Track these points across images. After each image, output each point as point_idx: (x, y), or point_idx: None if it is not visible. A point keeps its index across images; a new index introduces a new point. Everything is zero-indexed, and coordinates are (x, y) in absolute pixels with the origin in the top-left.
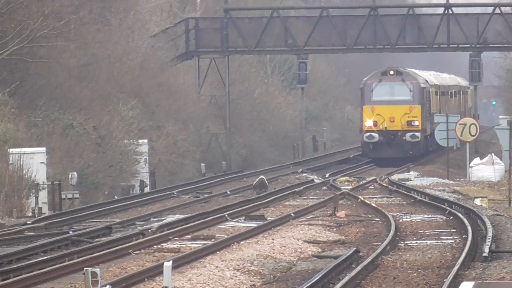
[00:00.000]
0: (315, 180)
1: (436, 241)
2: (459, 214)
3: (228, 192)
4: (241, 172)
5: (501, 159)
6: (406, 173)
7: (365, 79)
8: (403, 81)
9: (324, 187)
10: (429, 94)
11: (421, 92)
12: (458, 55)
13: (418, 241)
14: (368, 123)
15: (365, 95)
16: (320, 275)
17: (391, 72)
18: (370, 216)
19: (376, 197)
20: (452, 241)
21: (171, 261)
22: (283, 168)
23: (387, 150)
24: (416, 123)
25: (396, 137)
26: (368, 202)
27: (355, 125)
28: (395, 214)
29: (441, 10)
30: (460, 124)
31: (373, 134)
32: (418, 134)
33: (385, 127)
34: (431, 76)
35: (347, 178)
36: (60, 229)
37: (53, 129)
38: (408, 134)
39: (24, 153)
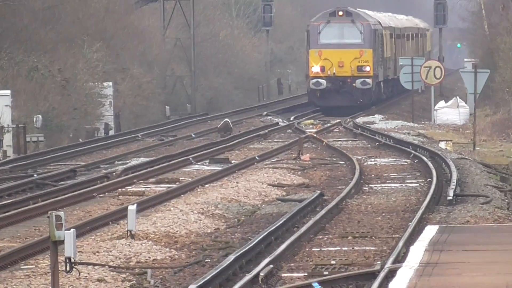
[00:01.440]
0: (280, 123)
1: (400, 184)
2: (424, 158)
3: (193, 135)
4: (206, 115)
5: (466, 102)
6: (370, 116)
7: (311, 20)
8: (353, 23)
9: (289, 130)
10: (382, 36)
11: (373, 34)
12: None
13: (383, 185)
14: (315, 68)
15: (312, 37)
16: (285, 219)
17: (340, 13)
18: (334, 159)
19: (341, 140)
20: (417, 184)
21: (135, 205)
22: (248, 111)
23: (335, 98)
24: (367, 68)
25: (346, 84)
26: (332, 145)
27: None
28: (359, 157)
29: None
30: (425, 67)
31: (320, 80)
32: (369, 80)
33: (334, 73)
34: (385, 18)
35: (312, 121)
36: (24, 172)
37: (18, 72)
38: (358, 81)
39: None
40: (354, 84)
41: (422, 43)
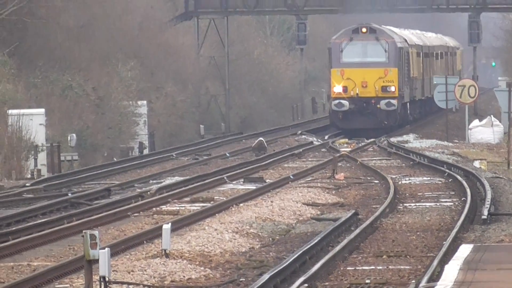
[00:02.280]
0: (314, 142)
1: (435, 203)
2: (458, 177)
3: (227, 154)
4: (240, 134)
5: (500, 121)
6: (405, 135)
7: (333, 37)
8: (377, 40)
9: (323, 149)
10: (408, 55)
11: (398, 52)
12: (458, 16)
13: (417, 204)
14: (337, 88)
15: (334, 56)
16: (319, 238)
17: (364, 30)
18: (369, 178)
19: (375, 159)
20: (451, 203)
21: (170, 224)
22: (282, 130)
23: (358, 120)
24: (392, 88)
25: (369, 105)
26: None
27: None
28: (394, 176)
29: None
30: (459, 86)
31: (343, 101)
32: (394, 101)
33: (357, 94)
34: (412, 35)
35: (346, 140)
36: (59, 191)
37: (52, 90)
38: (383, 102)
39: (23, 114)
40: (378, 105)
41: (452, 62)
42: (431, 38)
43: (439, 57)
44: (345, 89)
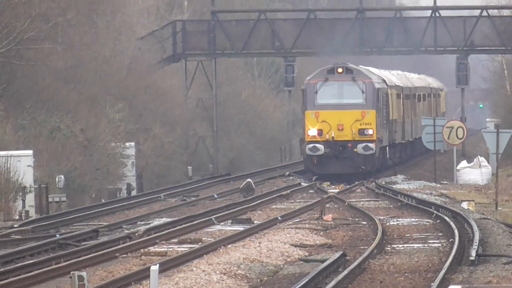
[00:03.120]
0: (302, 183)
1: (423, 244)
2: (446, 218)
3: (215, 196)
4: (228, 175)
5: (488, 162)
6: (393, 177)
7: (308, 78)
8: (353, 80)
9: (311, 190)
10: (387, 96)
11: (376, 93)
12: (445, 57)
13: (405, 245)
14: (312, 132)
15: (308, 97)
16: (307, 279)
17: (340, 70)
18: (357, 219)
19: (363, 201)
20: (439, 244)
21: (157, 265)
22: (270, 171)
23: (334, 165)
24: (370, 131)
25: (346, 149)
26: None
27: None
28: (382, 217)
29: (428, 13)
30: (447, 127)
31: (318, 145)
32: (372, 145)
33: (332, 137)
34: (392, 76)
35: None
36: (47, 233)
37: (40, 132)
38: (360, 146)
39: (11, 155)
40: (355, 150)
41: (435, 103)
42: (414, 79)
43: (421, 98)
44: (320, 132)
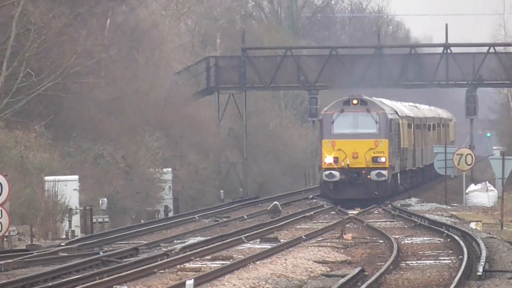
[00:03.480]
0: (324, 206)
1: (434, 261)
2: (456, 237)
3: (245, 217)
4: (257, 198)
5: (494, 186)
6: (407, 199)
7: (325, 109)
8: (368, 112)
9: (333, 212)
10: (399, 126)
11: (389, 124)
12: (456, 90)
13: (418, 261)
14: (328, 159)
15: (325, 127)
16: None
17: (355, 101)
18: (374, 238)
19: (380, 221)
20: (449, 261)
21: (192, 280)
22: (295, 195)
23: (349, 191)
24: (383, 159)
25: (360, 176)
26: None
27: None
28: (397, 236)
29: (440, 49)
30: (457, 154)
31: (334, 172)
32: (384, 172)
33: (348, 164)
34: (404, 107)
35: None
36: (91, 250)
37: (85, 159)
38: (373, 172)
39: (59, 180)
40: (369, 176)
41: (444, 133)
42: (424, 110)
43: (431, 128)
44: (336, 160)
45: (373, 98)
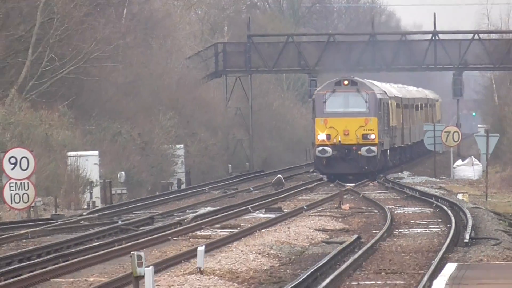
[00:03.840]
0: (324, 179)
1: (425, 229)
2: (444, 207)
3: (251, 189)
4: (262, 172)
5: (479, 161)
6: (400, 173)
7: (317, 89)
8: (358, 92)
9: (332, 184)
10: (388, 106)
11: (378, 103)
12: (444, 74)
13: (410, 229)
14: (321, 136)
15: (317, 106)
16: (328, 258)
17: (345, 82)
18: (370, 208)
19: (375, 193)
20: (439, 229)
21: (203, 246)
22: (297, 168)
23: (341, 166)
24: (372, 136)
25: (351, 152)
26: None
27: None
28: (390, 206)
29: (429, 36)
30: (445, 132)
31: (326, 148)
32: (374, 148)
33: (339, 141)
34: (393, 88)
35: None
36: (110, 219)
37: (104, 136)
38: (363, 148)
39: (80, 156)
40: (359, 152)
41: (431, 112)
42: (412, 91)
43: (419, 108)
44: (328, 136)
45: (363, 79)
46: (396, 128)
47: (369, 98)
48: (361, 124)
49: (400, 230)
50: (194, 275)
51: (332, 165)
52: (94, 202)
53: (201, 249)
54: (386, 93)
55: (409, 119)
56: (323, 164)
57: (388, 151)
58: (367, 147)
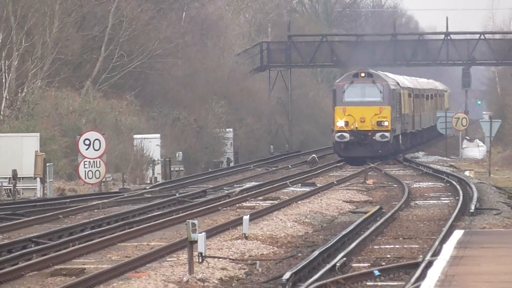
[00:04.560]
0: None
1: (437, 201)
2: (454, 182)
3: (290, 166)
4: (299, 152)
5: (484, 143)
6: (416, 153)
7: (337, 81)
8: (373, 83)
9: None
10: (400, 95)
11: (391, 93)
12: (454, 68)
13: (424, 201)
14: (340, 123)
15: (337, 96)
16: (354, 225)
17: (362, 74)
18: (390, 183)
19: (394, 170)
20: (448, 201)
21: (248, 215)
22: (329, 149)
23: (357, 149)
24: (386, 123)
25: (367, 137)
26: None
27: None
28: (408, 182)
29: (442, 36)
30: (455, 118)
31: (344, 134)
32: (387, 134)
33: (356, 127)
34: (405, 80)
35: None
36: (169, 192)
37: (165, 121)
38: (378, 134)
39: (144, 138)
40: (374, 137)
41: (440, 102)
42: (423, 83)
43: (429, 97)
44: (346, 123)
45: (379, 71)
46: (408, 116)
47: (383, 89)
48: (376, 112)
49: (415, 201)
50: (240, 240)
51: (349, 149)
52: (155, 178)
53: (246, 218)
54: (399, 84)
55: (420, 108)
56: (341, 148)
57: (400, 136)
58: (381, 133)
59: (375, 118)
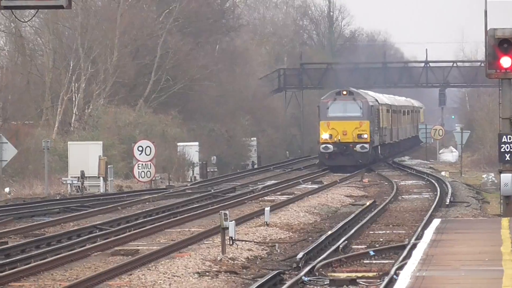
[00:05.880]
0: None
1: (419, 195)
2: (433, 180)
3: (302, 168)
4: (309, 156)
5: (456, 149)
6: (402, 157)
7: (322, 98)
8: (354, 100)
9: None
10: (379, 111)
11: (370, 109)
12: (432, 90)
13: (409, 196)
14: (324, 136)
15: (322, 112)
16: (354, 215)
17: (344, 92)
18: (382, 181)
19: (385, 171)
20: (428, 195)
21: (269, 207)
22: None
23: (340, 159)
24: (365, 136)
25: (348, 148)
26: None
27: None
28: (396, 180)
29: (422, 64)
30: (433, 129)
31: (329, 145)
32: (366, 145)
33: (339, 139)
34: (384, 97)
35: None
36: (206, 189)
37: (202, 132)
38: (358, 146)
39: (186, 145)
40: (355, 148)
41: (416, 117)
42: (401, 100)
43: (405, 113)
44: (330, 136)
45: (359, 90)
46: (386, 129)
47: (363, 105)
48: (357, 126)
49: (402, 196)
50: (262, 227)
51: (333, 158)
52: (195, 177)
53: (267, 209)
54: (377, 101)
55: (397, 122)
56: (326, 158)
57: (379, 146)
58: (361, 145)
59: (355, 131)
